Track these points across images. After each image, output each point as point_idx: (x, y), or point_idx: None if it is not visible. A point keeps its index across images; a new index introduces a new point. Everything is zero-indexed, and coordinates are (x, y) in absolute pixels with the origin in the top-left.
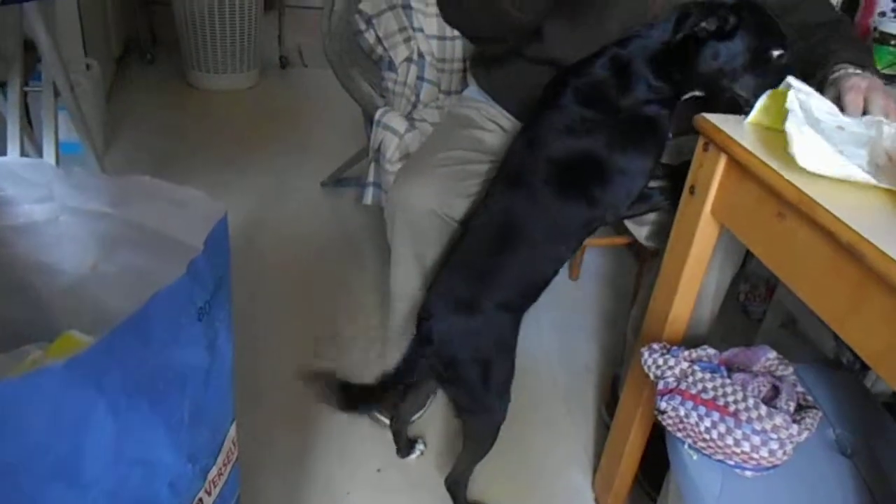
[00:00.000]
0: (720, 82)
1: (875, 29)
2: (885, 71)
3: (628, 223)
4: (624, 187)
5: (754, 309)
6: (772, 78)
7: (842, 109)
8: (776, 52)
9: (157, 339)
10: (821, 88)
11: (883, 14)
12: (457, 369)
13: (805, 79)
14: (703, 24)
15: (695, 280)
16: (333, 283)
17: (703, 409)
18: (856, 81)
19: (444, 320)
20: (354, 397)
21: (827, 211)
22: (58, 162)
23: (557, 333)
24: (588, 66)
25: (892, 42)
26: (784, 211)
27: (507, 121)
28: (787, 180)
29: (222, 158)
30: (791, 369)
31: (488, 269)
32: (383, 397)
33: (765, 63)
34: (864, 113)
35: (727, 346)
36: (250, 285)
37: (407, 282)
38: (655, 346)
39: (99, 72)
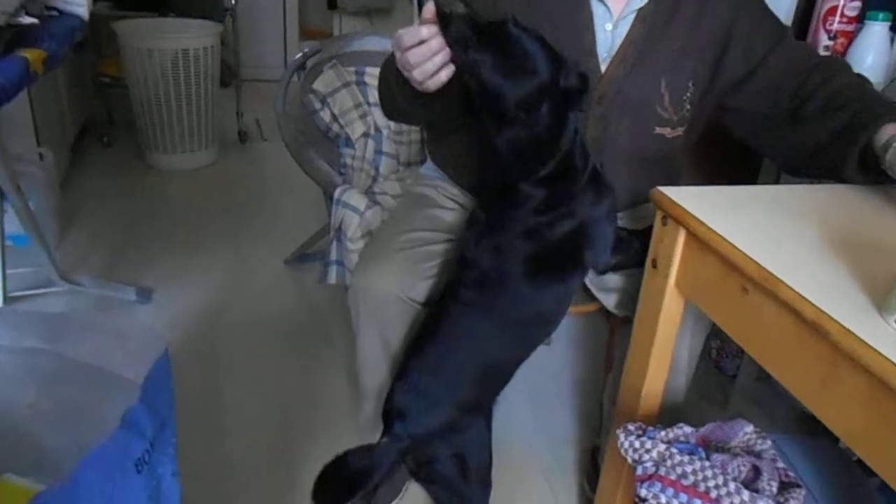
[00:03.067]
0: None
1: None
2: None
3: (595, 291)
4: (602, 237)
5: (728, 365)
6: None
7: None
8: None
9: None
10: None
11: None
12: (433, 468)
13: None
14: None
15: (665, 353)
16: (302, 365)
17: (684, 497)
18: None
19: (417, 423)
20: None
21: (790, 288)
22: (4, 277)
23: (532, 403)
24: (534, 172)
25: None
26: (748, 286)
27: (466, 198)
28: (748, 256)
29: (183, 240)
30: (769, 443)
31: (463, 374)
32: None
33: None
34: None
35: (705, 403)
36: (215, 372)
37: (375, 369)
38: (631, 427)
39: (52, 160)
